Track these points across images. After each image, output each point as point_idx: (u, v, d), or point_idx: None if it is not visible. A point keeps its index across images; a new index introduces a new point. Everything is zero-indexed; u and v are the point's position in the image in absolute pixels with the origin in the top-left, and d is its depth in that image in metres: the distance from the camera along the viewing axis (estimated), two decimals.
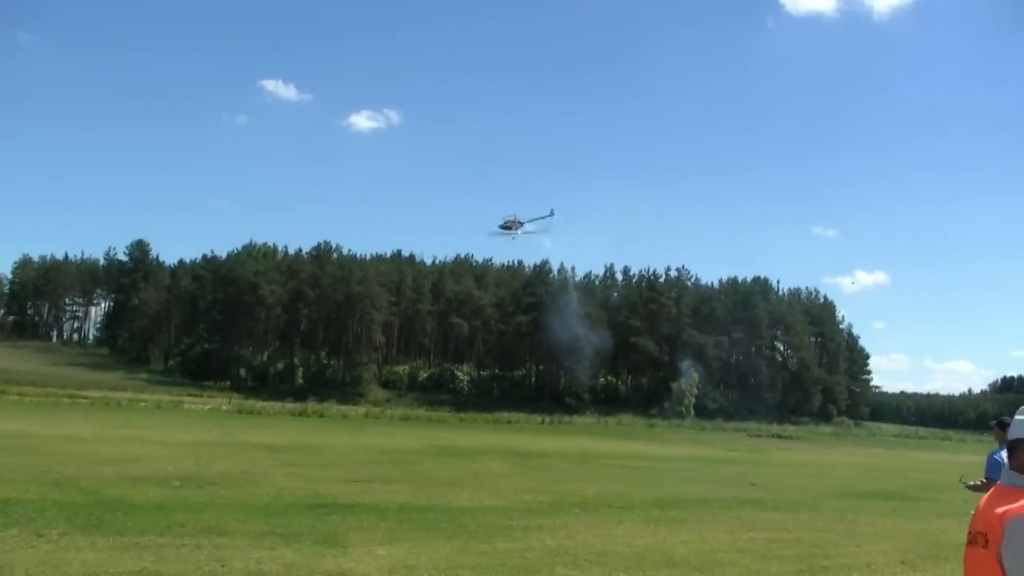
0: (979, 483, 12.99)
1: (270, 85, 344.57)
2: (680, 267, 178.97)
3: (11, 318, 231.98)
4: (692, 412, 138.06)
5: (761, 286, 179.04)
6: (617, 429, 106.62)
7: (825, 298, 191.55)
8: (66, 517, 18.81)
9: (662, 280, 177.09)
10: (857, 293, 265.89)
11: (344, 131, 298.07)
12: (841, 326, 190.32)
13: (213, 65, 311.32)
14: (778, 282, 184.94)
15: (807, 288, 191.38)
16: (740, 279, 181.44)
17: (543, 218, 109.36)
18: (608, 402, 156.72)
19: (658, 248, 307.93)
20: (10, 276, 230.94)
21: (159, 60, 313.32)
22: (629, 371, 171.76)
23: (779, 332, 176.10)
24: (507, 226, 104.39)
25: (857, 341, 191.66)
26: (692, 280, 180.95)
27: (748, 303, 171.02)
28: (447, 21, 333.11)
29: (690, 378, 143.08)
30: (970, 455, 70.10)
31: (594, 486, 32.98)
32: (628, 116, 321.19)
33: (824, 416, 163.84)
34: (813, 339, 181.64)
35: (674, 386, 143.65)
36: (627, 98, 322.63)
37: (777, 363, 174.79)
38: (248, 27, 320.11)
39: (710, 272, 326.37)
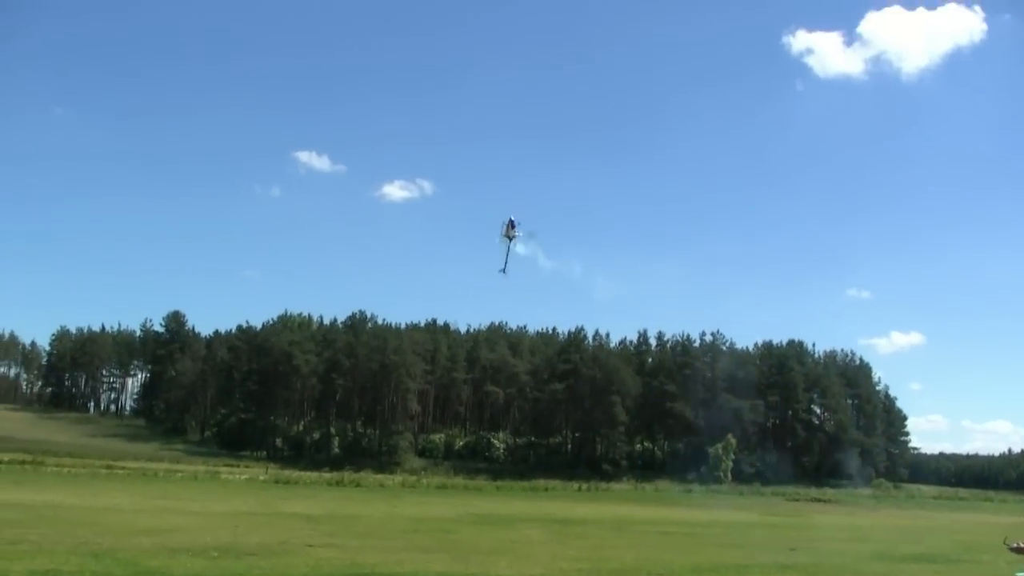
0: (1023, 545, 12.81)
1: (304, 156, 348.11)
2: (715, 331, 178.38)
3: (49, 389, 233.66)
4: (729, 477, 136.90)
5: (796, 349, 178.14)
6: (654, 495, 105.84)
7: (861, 360, 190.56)
8: None
9: (696, 344, 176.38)
10: (893, 354, 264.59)
11: (377, 201, 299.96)
12: (878, 388, 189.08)
13: (247, 137, 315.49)
14: (813, 345, 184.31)
15: (842, 350, 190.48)
16: (775, 343, 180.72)
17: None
18: (644, 468, 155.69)
19: (691, 312, 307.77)
20: (48, 348, 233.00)
21: (193, 132, 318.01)
22: (665, 436, 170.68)
23: (815, 395, 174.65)
24: (509, 236, 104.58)
25: (894, 403, 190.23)
26: (727, 344, 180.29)
27: (783, 366, 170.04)
28: (479, 89, 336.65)
29: (727, 443, 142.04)
30: (1012, 516, 69.36)
31: (632, 553, 32.73)
32: (660, 177, 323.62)
33: (862, 479, 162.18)
34: (849, 401, 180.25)
35: (711, 451, 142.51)
36: (658, 159, 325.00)
37: (814, 426, 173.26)
38: (282, 99, 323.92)
39: (744, 336, 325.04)
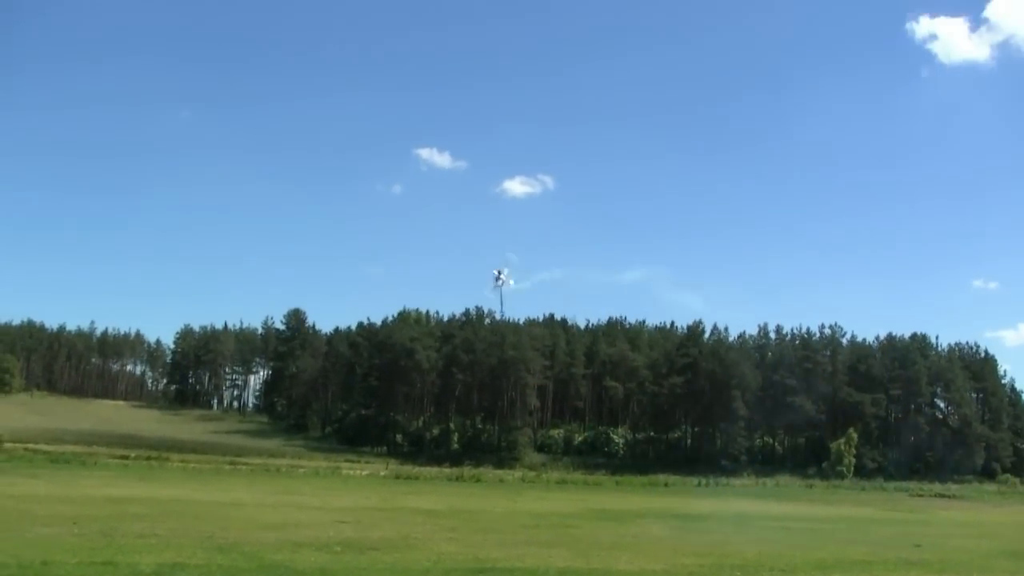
0: None
1: (425, 154, 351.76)
2: (833, 324, 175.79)
3: (173, 387, 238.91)
4: (851, 472, 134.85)
5: (919, 342, 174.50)
6: (775, 490, 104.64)
7: (986, 352, 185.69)
8: None
9: (816, 338, 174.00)
10: (1021, 346, 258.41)
11: (499, 196, 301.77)
12: (1004, 381, 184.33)
13: (370, 134, 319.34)
14: (937, 337, 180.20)
15: (967, 342, 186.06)
16: (897, 336, 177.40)
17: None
18: (764, 463, 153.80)
19: (811, 304, 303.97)
20: (172, 346, 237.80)
21: (316, 130, 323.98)
22: (785, 431, 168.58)
23: (939, 388, 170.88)
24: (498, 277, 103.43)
25: (1021, 396, 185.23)
26: (847, 337, 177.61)
27: (906, 360, 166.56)
28: (599, 79, 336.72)
29: (848, 437, 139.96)
30: None
31: (754, 548, 32.35)
32: (781, 164, 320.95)
33: (988, 474, 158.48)
34: (974, 395, 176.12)
35: (832, 446, 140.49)
36: (779, 145, 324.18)
37: (938, 420, 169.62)
38: (403, 96, 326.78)
39: (866, 328, 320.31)
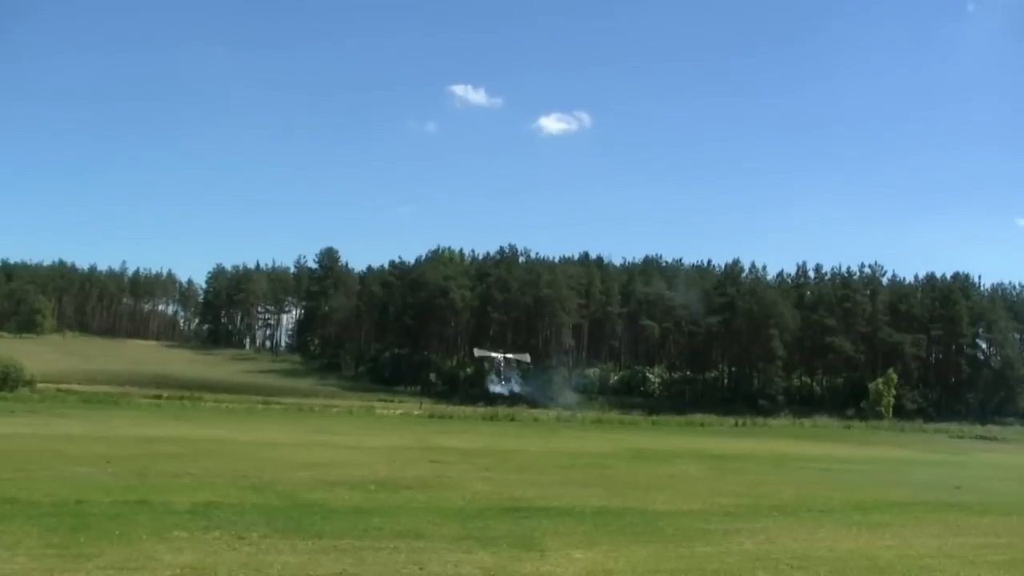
0: None
1: (459, 90, 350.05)
2: (874, 263, 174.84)
3: (206, 327, 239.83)
4: (890, 413, 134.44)
5: (961, 282, 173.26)
6: (812, 431, 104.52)
7: None
8: (265, 520, 19.22)
9: (856, 277, 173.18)
10: None
11: (534, 134, 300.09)
12: None
13: (403, 70, 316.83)
14: (979, 277, 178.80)
15: (1010, 283, 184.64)
16: (939, 275, 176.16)
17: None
18: (802, 403, 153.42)
19: (851, 242, 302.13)
20: (204, 286, 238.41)
21: (350, 66, 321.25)
22: (824, 372, 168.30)
23: (981, 330, 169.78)
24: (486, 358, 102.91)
25: None
26: (887, 277, 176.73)
27: (948, 300, 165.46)
28: (636, 14, 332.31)
29: (888, 378, 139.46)
30: None
31: (791, 489, 32.41)
32: (820, 101, 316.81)
33: None
34: (1017, 336, 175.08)
35: (871, 386, 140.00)
36: (819, 82, 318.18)
37: (979, 362, 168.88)
38: (437, 32, 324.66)
39: (906, 267, 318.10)
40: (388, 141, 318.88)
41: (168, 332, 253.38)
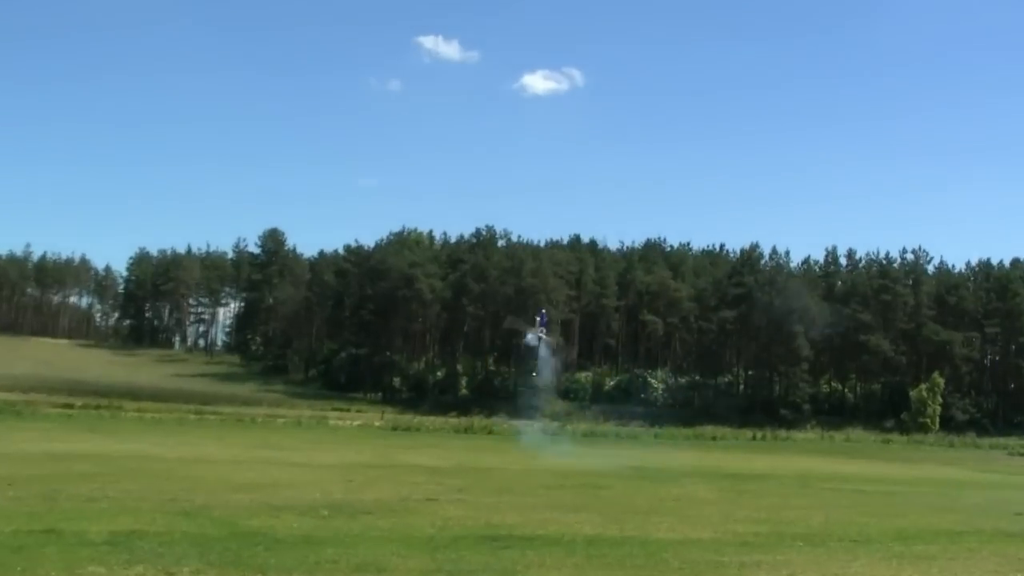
0: None
1: (428, 42, 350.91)
2: (917, 248, 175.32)
3: (127, 322, 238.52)
4: (937, 425, 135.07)
5: (1023, 270, 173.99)
6: (845, 446, 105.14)
7: None
8: (198, 552, 19.19)
9: (896, 264, 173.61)
10: None
11: (516, 95, 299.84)
12: None
13: (360, 23, 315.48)
14: None
15: None
16: (995, 261, 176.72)
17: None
18: (833, 413, 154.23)
19: (889, 226, 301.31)
20: (125, 274, 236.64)
21: (296, 16, 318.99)
22: (858, 376, 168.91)
23: None
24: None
25: None
26: (934, 264, 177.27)
27: (1006, 291, 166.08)
28: None
29: (933, 383, 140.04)
30: None
31: (820, 515, 32.53)
32: (856, 61, 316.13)
33: None
34: None
35: (913, 393, 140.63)
36: (844, 34, 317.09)
37: None
38: None
39: (956, 254, 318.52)
40: (345, 102, 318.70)
41: (81, 329, 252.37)
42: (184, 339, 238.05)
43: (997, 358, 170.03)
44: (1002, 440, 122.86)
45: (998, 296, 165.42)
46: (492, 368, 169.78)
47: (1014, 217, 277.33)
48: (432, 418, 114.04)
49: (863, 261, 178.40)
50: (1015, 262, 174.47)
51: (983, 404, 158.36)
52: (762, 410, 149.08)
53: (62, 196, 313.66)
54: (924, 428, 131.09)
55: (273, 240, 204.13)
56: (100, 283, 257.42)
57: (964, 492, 48.68)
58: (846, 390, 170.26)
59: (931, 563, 22.50)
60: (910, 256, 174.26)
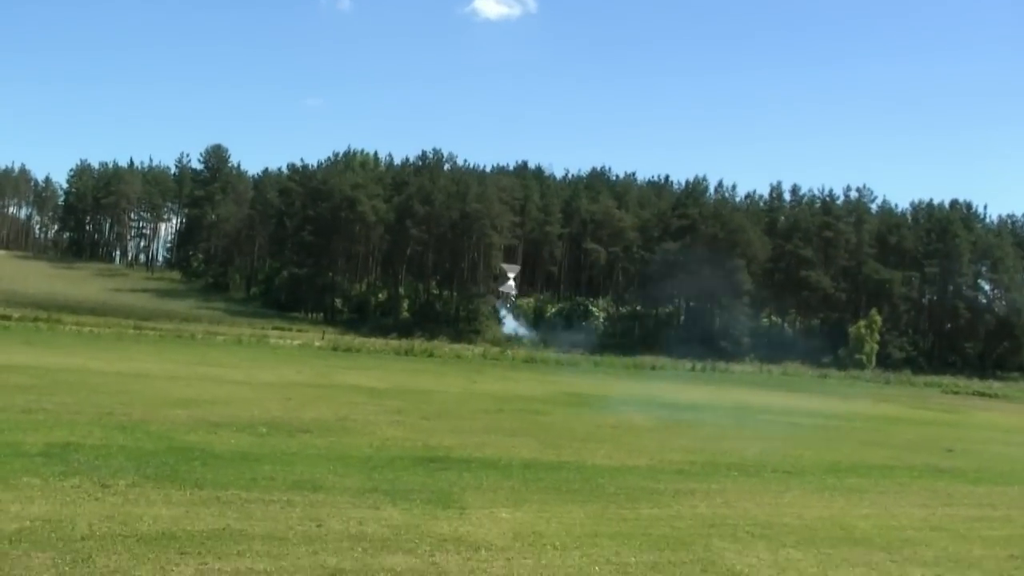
0: None
1: None
2: (861, 187, 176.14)
3: (67, 235, 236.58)
4: (873, 361, 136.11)
5: (962, 212, 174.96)
6: (782, 379, 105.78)
7: None
8: (134, 466, 19.13)
9: (840, 202, 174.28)
10: None
11: (467, 18, 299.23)
12: None
13: None
14: (985, 207, 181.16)
15: (1021, 215, 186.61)
16: (936, 203, 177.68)
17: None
18: (771, 347, 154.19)
19: (835, 164, 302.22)
20: (65, 186, 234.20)
21: None
22: (798, 311, 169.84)
23: (984, 268, 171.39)
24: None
25: None
26: (876, 203, 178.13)
27: (946, 232, 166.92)
28: None
29: (871, 320, 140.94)
30: None
31: (755, 446, 32.71)
32: (806, 12, 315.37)
33: None
34: None
35: (852, 330, 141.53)
36: None
37: (981, 305, 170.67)
38: None
39: (898, 193, 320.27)
40: (293, 21, 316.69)
41: (20, 241, 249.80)
42: (124, 254, 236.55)
43: (935, 298, 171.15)
44: (937, 379, 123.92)
45: (938, 237, 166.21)
46: (434, 292, 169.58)
47: (959, 160, 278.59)
48: (373, 340, 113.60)
49: (807, 197, 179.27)
50: (955, 204, 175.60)
51: (920, 343, 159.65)
52: (701, 341, 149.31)
53: (2, 106, 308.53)
54: (861, 364, 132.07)
55: (216, 156, 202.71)
56: (40, 195, 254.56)
57: (897, 428, 49.13)
58: (786, 325, 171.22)
59: (862, 496, 22.75)
60: (854, 194, 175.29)
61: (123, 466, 18.96)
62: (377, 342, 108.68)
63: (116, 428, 24.90)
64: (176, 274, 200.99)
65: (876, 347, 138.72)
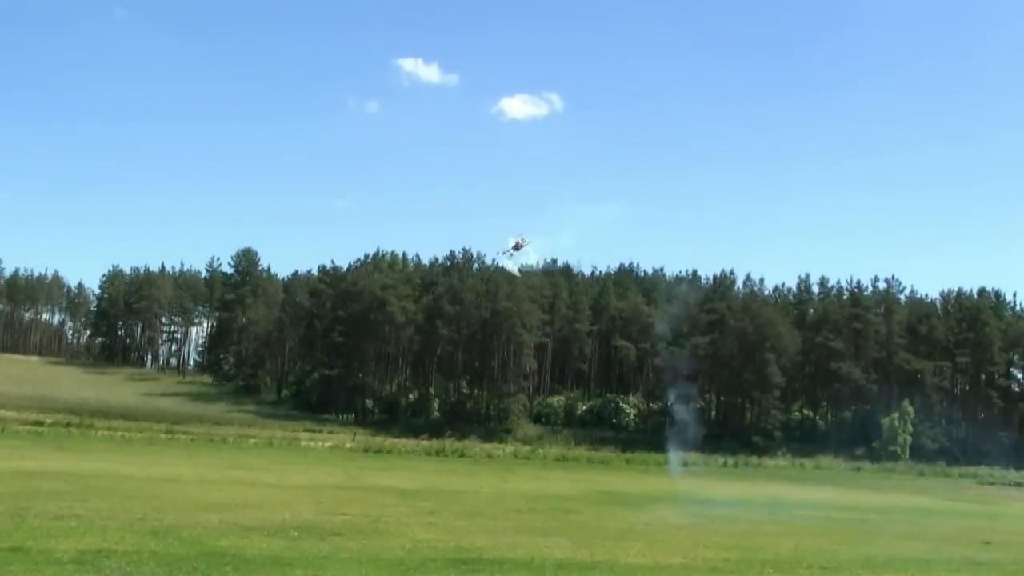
0: None
1: (408, 64, 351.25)
2: (890, 277, 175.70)
3: (99, 340, 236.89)
4: (907, 453, 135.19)
5: (992, 300, 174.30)
6: (815, 473, 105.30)
7: None
8: (166, 572, 19.11)
9: (868, 293, 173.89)
10: None
11: (495, 118, 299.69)
12: None
13: (340, 43, 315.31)
14: (1014, 295, 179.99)
15: None
16: (966, 291, 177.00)
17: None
18: (803, 440, 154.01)
19: (862, 254, 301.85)
20: (97, 291, 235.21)
21: (272, 38, 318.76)
22: (829, 404, 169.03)
23: (1016, 356, 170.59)
24: (517, 246, 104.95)
25: None
26: (905, 292, 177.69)
27: (976, 320, 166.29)
28: None
29: (904, 412, 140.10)
30: None
31: (790, 541, 32.55)
32: (828, 98, 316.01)
33: None
34: None
35: (884, 422, 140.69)
36: (827, 79, 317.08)
37: (1014, 394, 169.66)
38: None
39: (927, 283, 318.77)
40: (322, 123, 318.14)
41: (53, 346, 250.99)
42: (156, 358, 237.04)
43: (967, 387, 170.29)
44: (972, 469, 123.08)
45: (969, 326, 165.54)
46: (464, 391, 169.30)
47: (987, 249, 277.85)
48: (404, 440, 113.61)
49: (835, 289, 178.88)
50: (984, 292, 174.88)
51: (953, 433, 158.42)
52: (733, 436, 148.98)
53: (36, 213, 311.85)
54: (894, 456, 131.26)
55: (246, 260, 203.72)
56: (72, 300, 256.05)
57: (933, 520, 48.78)
58: (817, 418, 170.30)
59: None
60: (882, 285, 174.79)
61: (155, 572, 18.96)
62: (408, 443, 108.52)
63: (148, 534, 24.91)
64: (207, 377, 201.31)
65: (909, 439, 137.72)
